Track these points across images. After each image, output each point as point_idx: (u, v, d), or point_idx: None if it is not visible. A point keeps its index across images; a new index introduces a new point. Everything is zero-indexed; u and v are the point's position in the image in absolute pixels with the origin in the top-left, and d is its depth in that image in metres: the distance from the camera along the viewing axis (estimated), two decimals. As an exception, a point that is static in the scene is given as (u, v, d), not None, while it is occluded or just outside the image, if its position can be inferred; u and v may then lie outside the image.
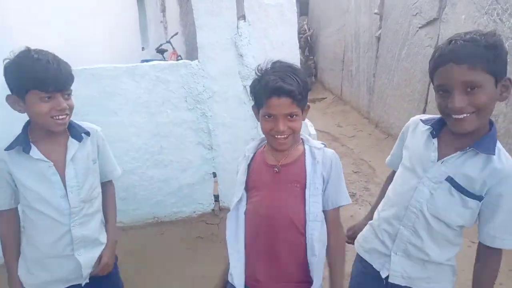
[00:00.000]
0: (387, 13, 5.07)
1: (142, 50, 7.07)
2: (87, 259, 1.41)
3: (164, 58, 6.63)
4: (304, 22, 9.23)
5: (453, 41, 1.01)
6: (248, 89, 2.71)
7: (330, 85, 8.18)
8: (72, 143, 1.37)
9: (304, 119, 1.27)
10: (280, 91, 1.16)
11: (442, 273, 1.21)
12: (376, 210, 1.36)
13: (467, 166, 1.08)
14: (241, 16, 2.59)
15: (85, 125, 1.46)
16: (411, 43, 4.41)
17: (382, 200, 1.34)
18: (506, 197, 1.05)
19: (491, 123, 1.09)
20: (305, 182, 1.24)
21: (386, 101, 5.12)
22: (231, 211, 1.30)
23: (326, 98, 7.92)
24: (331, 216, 1.28)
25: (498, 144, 1.08)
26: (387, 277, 1.24)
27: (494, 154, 1.05)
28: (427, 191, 1.13)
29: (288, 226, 1.22)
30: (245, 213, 1.28)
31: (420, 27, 4.16)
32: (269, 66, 1.24)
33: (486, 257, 1.13)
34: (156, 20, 8.16)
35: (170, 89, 2.74)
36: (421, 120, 1.24)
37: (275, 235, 1.22)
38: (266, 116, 1.21)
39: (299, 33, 9.05)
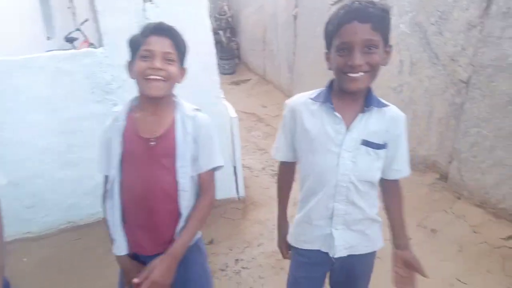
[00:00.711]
0: (301, -9, 5.15)
1: (48, 39, 6.45)
2: None
3: (75, 47, 6.11)
4: (224, 3, 9.06)
5: (357, 2, 1.06)
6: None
7: (254, 65, 8.21)
8: None
9: (179, 82, 1.30)
10: (159, 28, 1.23)
11: (375, 230, 1.32)
12: (300, 203, 1.34)
13: (370, 124, 1.17)
14: (146, -2, 2.44)
15: None
16: (324, 20, 4.53)
17: (302, 193, 1.32)
18: (402, 135, 1.22)
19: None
20: (176, 154, 1.28)
21: (305, 79, 5.26)
22: (110, 182, 1.31)
23: (250, 79, 7.94)
24: (202, 179, 1.34)
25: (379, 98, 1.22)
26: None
27: (389, 105, 1.20)
28: (349, 162, 1.17)
29: (164, 198, 1.29)
30: (120, 185, 1.31)
31: (332, 4, 4.28)
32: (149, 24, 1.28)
33: (394, 190, 1.32)
34: (62, 5, 7.46)
35: (74, 81, 2.52)
36: (310, 98, 1.23)
37: (154, 207, 1.29)
38: (143, 57, 1.21)
39: (219, 14, 8.89)
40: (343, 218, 1.24)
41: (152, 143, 1.26)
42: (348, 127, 1.16)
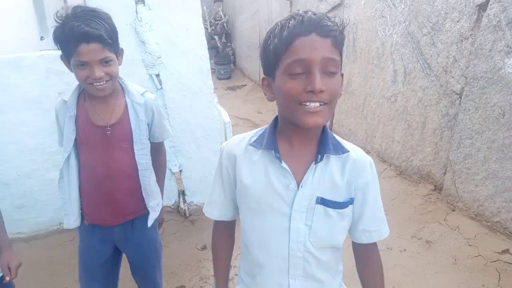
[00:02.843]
0: (297, -2, 5.17)
1: (41, 39, 6.37)
2: None
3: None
4: (220, 8, 9.07)
5: (310, 12, 0.82)
6: (154, 78, 2.59)
7: (249, 71, 8.20)
8: None
9: (120, 63, 1.31)
10: (88, 36, 1.15)
11: None
12: (242, 276, 1.10)
13: (327, 176, 0.91)
14: (140, 0, 2.41)
15: None
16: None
17: (245, 264, 1.07)
18: (370, 185, 0.94)
19: None
20: (132, 139, 1.39)
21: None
22: (63, 163, 1.38)
23: (246, 85, 7.93)
24: (158, 148, 1.57)
25: (338, 137, 0.96)
26: None
27: (349, 151, 0.92)
28: (303, 226, 0.91)
29: (124, 178, 1.41)
30: (78, 165, 1.40)
31: (326, 12, 4.29)
32: (69, 11, 1.18)
33: (370, 256, 1.03)
34: (56, 5, 7.40)
35: (65, 81, 2.46)
36: (250, 144, 0.95)
37: (114, 186, 1.40)
38: (80, 65, 1.20)
39: (215, 19, 8.89)
40: None
41: (108, 132, 1.35)
42: (299, 181, 0.89)
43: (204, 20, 8.68)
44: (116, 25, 2.38)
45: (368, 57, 3.78)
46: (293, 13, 0.83)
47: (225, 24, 8.89)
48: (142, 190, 1.45)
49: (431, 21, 2.90)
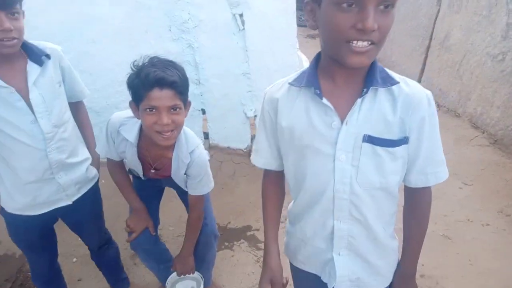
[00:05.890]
0: None
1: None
2: (68, 181, 1.41)
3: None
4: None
5: None
6: (238, 18, 2.52)
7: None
8: (32, 67, 1.26)
9: (186, 116, 1.31)
10: (162, 82, 1.17)
11: (390, 260, 1.01)
12: (291, 214, 1.07)
13: (375, 112, 0.82)
14: None
15: (43, 45, 1.33)
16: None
17: (294, 205, 1.02)
18: (426, 122, 0.83)
19: None
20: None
21: (390, 36, 4.83)
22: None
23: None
24: (190, 198, 1.52)
25: (389, 70, 0.85)
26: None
27: (399, 82, 0.82)
28: (349, 167, 0.85)
29: None
30: None
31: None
32: (146, 61, 1.23)
33: (418, 202, 0.95)
34: None
35: (152, 16, 2.51)
36: (289, 83, 0.90)
37: None
38: (148, 110, 1.21)
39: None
40: (347, 241, 0.93)
41: (152, 170, 1.47)
42: (343, 119, 0.83)
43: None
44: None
45: (476, 6, 3.29)
46: None
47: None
48: None
49: None
